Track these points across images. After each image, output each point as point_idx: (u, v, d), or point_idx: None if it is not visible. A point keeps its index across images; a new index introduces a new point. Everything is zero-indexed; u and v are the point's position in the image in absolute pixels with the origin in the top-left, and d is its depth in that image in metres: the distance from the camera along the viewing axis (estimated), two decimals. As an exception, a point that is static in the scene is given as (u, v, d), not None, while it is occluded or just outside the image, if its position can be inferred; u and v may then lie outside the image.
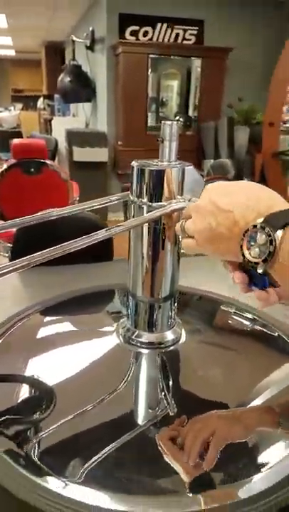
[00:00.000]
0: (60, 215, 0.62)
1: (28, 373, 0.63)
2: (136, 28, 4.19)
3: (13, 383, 0.61)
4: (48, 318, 0.80)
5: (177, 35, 4.31)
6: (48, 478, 0.45)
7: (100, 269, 1.04)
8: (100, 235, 0.52)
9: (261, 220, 0.41)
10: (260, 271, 0.42)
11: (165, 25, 4.25)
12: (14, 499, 0.43)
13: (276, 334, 0.74)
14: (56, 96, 6.91)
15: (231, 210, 0.44)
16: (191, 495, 0.45)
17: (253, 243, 0.42)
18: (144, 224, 0.60)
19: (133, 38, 4.21)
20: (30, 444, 0.49)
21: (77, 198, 2.83)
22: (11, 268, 0.46)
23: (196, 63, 4.34)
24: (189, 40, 4.36)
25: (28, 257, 0.48)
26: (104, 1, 4.16)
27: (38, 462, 0.47)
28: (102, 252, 1.11)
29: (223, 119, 4.16)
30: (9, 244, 2.12)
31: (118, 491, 0.45)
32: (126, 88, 4.14)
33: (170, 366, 0.63)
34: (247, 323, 0.80)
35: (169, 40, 4.30)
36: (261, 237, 0.41)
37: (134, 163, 0.60)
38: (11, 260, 1.16)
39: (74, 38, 5.02)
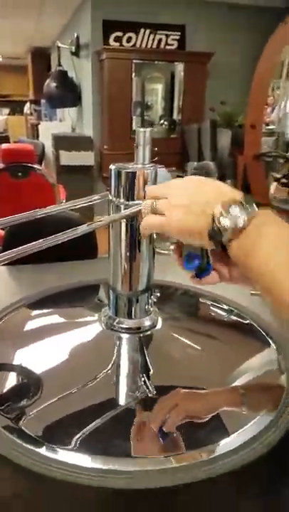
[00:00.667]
0: (46, 213, 0.68)
1: (18, 360, 0.69)
2: (120, 34, 4.27)
3: (7, 370, 0.67)
4: (34, 311, 0.86)
5: (160, 40, 4.41)
6: (39, 445, 0.52)
7: (85, 266, 1.11)
8: (81, 229, 0.59)
9: (241, 196, 0.47)
10: (224, 238, 0.45)
11: (148, 30, 4.34)
12: (10, 463, 0.49)
13: (247, 322, 0.81)
14: (43, 101, 6.97)
15: (208, 191, 0.49)
16: (162, 457, 0.52)
17: (227, 214, 0.45)
18: (122, 222, 0.67)
19: (117, 43, 4.29)
20: (24, 419, 0.56)
21: (64, 201, 2.89)
22: (3, 258, 0.53)
23: (179, 67, 4.43)
24: (172, 45, 4.45)
25: (10, 251, 0.54)
26: (88, 7, 4.23)
27: (30, 433, 0.53)
28: (88, 250, 1.18)
29: (206, 122, 4.26)
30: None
31: (97, 453, 0.51)
32: (110, 93, 4.22)
33: (147, 348, 0.70)
34: (220, 312, 0.87)
35: (152, 45, 4.39)
36: (235, 210, 0.45)
37: (112, 166, 0.66)
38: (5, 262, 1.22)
39: (59, 44, 5.08)
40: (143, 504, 0.48)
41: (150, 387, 0.61)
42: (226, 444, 0.53)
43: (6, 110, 11.30)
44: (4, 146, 2.61)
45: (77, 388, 0.62)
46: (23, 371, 0.67)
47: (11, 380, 0.66)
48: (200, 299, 0.91)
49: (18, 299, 0.86)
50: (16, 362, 0.69)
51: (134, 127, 4.54)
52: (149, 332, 0.71)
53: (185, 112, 4.57)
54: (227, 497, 0.49)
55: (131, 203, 0.65)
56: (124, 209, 0.65)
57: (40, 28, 6.10)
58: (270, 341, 0.74)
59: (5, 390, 0.62)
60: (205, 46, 4.40)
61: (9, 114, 10.95)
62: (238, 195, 0.48)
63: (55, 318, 0.84)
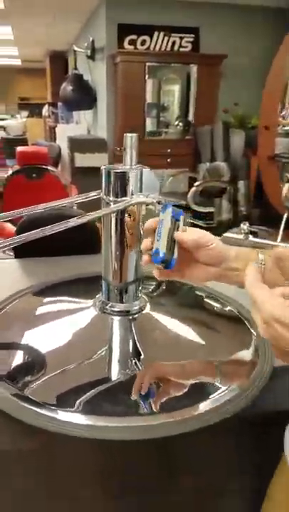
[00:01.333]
0: (48, 207, 0.78)
1: (24, 340, 0.78)
2: (134, 37, 4.36)
3: (14, 349, 0.76)
4: (39, 298, 0.96)
5: (174, 42, 4.48)
6: (42, 408, 0.61)
7: (87, 260, 1.19)
8: (72, 222, 0.67)
9: None
10: None
11: (162, 33, 4.41)
12: (20, 422, 0.58)
13: (228, 308, 0.88)
14: (60, 104, 7.11)
15: None
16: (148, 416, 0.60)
17: None
18: (113, 218, 0.75)
19: (131, 47, 4.38)
20: (29, 389, 0.65)
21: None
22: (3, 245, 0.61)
23: (195, 69, 4.49)
24: (186, 47, 4.51)
25: (11, 238, 0.63)
26: (103, 11, 4.34)
27: (34, 399, 0.62)
28: (90, 246, 1.26)
29: (218, 124, 4.31)
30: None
31: (91, 414, 0.61)
32: (124, 96, 4.31)
33: (136, 328, 0.79)
34: (204, 299, 0.95)
35: (166, 48, 4.46)
36: None
37: (102, 167, 0.74)
38: (15, 255, 1.32)
39: (75, 48, 5.21)
40: (130, 452, 0.59)
41: (138, 361, 0.72)
42: (201, 406, 0.61)
43: (25, 113, 11.53)
44: (20, 148, 2.73)
45: (75, 363, 0.71)
46: (27, 349, 0.76)
47: (18, 356, 0.75)
48: (186, 289, 0.99)
49: (19, 289, 0.95)
50: (21, 341, 0.78)
51: (148, 129, 4.63)
52: (137, 315, 0.79)
53: (198, 113, 4.62)
54: (198, 448, 0.58)
55: (119, 199, 0.73)
56: (113, 205, 0.73)
57: (58, 32, 6.24)
58: (248, 325, 0.82)
59: (13, 365, 0.71)
60: (218, 48, 4.44)
61: (28, 117, 11.17)
62: None
63: (56, 304, 0.94)
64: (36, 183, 2.66)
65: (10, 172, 2.67)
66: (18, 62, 10.40)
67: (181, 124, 4.82)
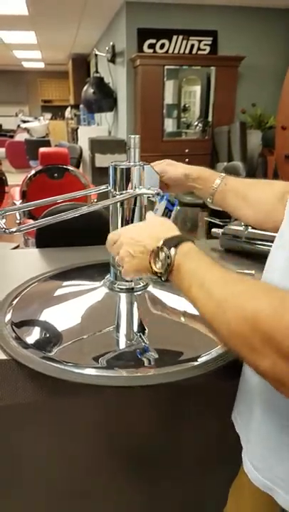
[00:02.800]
0: (64, 199, 0.90)
1: (45, 314, 0.90)
2: (153, 41, 4.47)
3: (37, 323, 0.88)
4: (56, 281, 1.07)
5: (192, 45, 4.57)
6: (63, 365, 0.72)
7: (100, 250, 1.31)
8: (83, 210, 0.78)
9: (161, 242, 0.60)
10: (163, 279, 0.60)
11: (181, 37, 4.51)
12: (46, 376, 0.70)
13: None
14: (81, 106, 7.29)
15: (143, 240, 0.66)
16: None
17: (156, 259, 0.61)
18: (119, 210, 0.86)
19: (151, 50, 4.49)
20: (53, 353, 0.76)
21: (95, 200, 3.12)
22: (24, 228, 0.73)
23: (213, 71, 4.56)
24: (204, 50, 4.60)
25: (28, 223, 0.74)
26: (123, 17, 4.47)
27: (57, 359, 0.74)
28: (102, 237, 1.38)
29: (235, 124, 4.37)
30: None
31: (101, 368, 0.72)
32: (143, 98, 4.43)
33: (139, 303, 0.91)
34: None
35: (184, 51, 4.56)
36: (161, 255, 0.60)
37: (110, 163, 0.85)
38: (37, 246, 1.44)
39: (96, 52, 5.36)
40: (130, 399, 0.70)
41: (140, 329, 0.85)
42: (186, 363, 0.73)
43: (49, 115, 11.80)
44: (42, 149, 2.87)
45: (89, 331, 0.84)
46: (49, 322, 0.88)
47: (41, 328, 0.87)
48: None
49: (39, 273, 1.08)
50: (43, 315, 0.90)
51: (168, 130, 4.72)
52: (141, 292, 0.91)
53: (216, 114, 4.70)
54: (180, 397, 0.68)
55: (124, 192, 0.83)
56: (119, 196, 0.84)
57: (80, 36, 6.42)
58: None
59: (38, 336, 0.84)
60: (237, 50, 4.51)
61: (51, 119, 11.43)
62: (170, 229, 0.66)
63: (71, 284, 1.06)
64: (57, 182, 2.80)
65: (33, 172, 2.82)
66: (41, 65, 10.66)
67: (200, 124, 4.89)
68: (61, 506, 1.15)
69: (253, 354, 0.44)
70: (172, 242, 0.60)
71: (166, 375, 0.69)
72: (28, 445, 1.02)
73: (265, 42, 4.60)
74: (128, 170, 0.83)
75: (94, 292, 0.94)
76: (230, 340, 0.47)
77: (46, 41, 7.07)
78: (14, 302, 0.92)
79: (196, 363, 0.72)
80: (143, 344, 0.79)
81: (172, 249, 0.59)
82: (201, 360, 0.73)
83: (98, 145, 4.71)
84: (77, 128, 7.21)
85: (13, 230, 0.74)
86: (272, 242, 1.19)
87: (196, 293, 0.54)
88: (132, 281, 0.90)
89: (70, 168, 2.87)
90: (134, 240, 0.68)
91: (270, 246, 1.13)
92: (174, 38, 4.50)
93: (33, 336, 0.82)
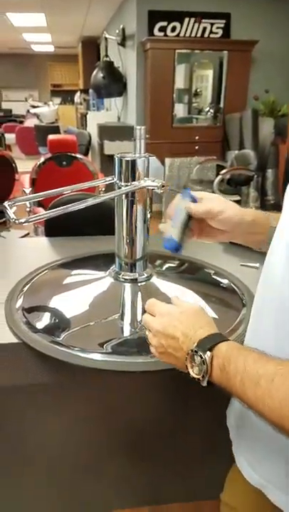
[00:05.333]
0: (71, 190, 0.90)
1: (54, 301, 0.93)
2: (164, 23, 4.38)
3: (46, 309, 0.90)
4: (64, 269, 1.10)
5: (204, 28, 4.47)
6: (71, 349, 0.75)
7: (107, 240, 1.31)
8: (90, 202, 0.78)
9: (195, 345, 0.56)
10: (204, 384, 0.55)
11: (192, 19, 4.41)
12: (55, 359, 0.73)
13: (225, 281, 0.99)
14: (91, 91, 7.22)
15: (177, 337, 0.60)
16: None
17: (193, 363, 0.56)
18: (124, 202, 0.86)
19: (162, 33, 4.41)
20: (61, 338, 0.79)
21: (103, 189, 3.11)
22: (33, 219, 0.74)
23: (226, 55, 4.47)
24: (216, 33, 4.50)
25: (42, 213, 0.75)
26: (134, -1, 4.38)
27: (65, 344, 0.77)
28: (110, 228, 1.39)
29: (247, 111, 4.30)
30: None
31: (106, 353, 0.75)
32: (153, 83, 4.36)
33: (143, 292, 0.94)
34: (204, 272, 1.07)
35: (196, 34, 4.46)
36: (197, 359, 0.55)
37: (116, 155, 0.85)
38: (46, 234, 1.45)
39: (106, 35, 5.28)
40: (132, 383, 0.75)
41: (138, 321, 0.86)
42: None
43: (58, 100, 11.72)
44: (51, 137, 2.86)
45: (94, 318, 0.87)
46: (57, 309, 0.91)
47: (50, 314, 0.90)
48: (190, 264, 1.12)
49: (49, 262, 1.09)
50: (51, 302, 0.93)
51: (178, 115, 4.64)
52: (144, 282, 0.93)
53: (228, 100, 4.61)
54: (180, 384, 0.71)
55: (129, 183, 0.83)
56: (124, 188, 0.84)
57: (89, 19, 6.33)
58: (240, 295, 0.93)
59: (47, 321, 0.86)
60: (250, 33, 4.41)
61: (60, 104, 11.36)
62: (205, 325, 0.60)
63: (79, 274, 1.08)
64: (66, 170, 2.80)
65: (42, 160, 2.82)
66: (51, 48, 10.55)
67: (212, 110, 4.80)
68: (63, 482, 1.21)
69: None
70: (207, 344, 0.55)
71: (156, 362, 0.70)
72: (36, 424, 1.06)
73: (280, 26, 4.48)
74: (134, 162, 0.82)
75: (100, 282, 0.96)
76: None
77: (56, 24, 6.98)
78: (25, 289, 0.95)
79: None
80: (146, 331, 0.80)
81: (208, 353, 0.54)
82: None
83: (107, 131, 4.67)
84: (87, 113, 7.15)
85: (22, 220, 0.75)
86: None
87: (253, 393, 0.49)
88: (136, 272, 0.91)
89: (79, 156, 2.86)
90: (167, 332, 0.62)
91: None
92: (186, 20, 4.40)
93: (43, 321, 0.85)
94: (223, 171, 3.57)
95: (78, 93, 9.72)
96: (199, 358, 0.55)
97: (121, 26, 4.92)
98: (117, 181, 0.85)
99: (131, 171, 0.82)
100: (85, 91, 8.87)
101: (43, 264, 1.09)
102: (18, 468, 1.14)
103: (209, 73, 4.75)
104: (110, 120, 5.58)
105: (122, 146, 4.52)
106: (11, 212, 0.79)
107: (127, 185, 0.83)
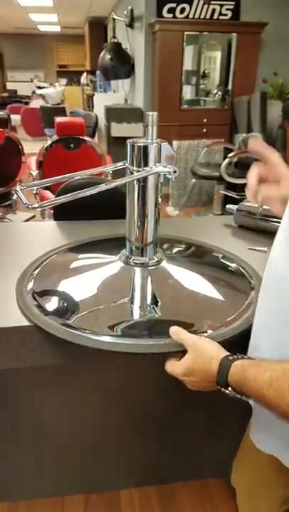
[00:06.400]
0: (81, 175, 0.92)
1: (64, 285, 0.95)
2: (173, 5, 4.31)
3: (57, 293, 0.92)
4: (74, 253, 1.12)
5: (214, 10, 4.40)
6: (81, 331, 0.77)
7: (116, 225, 1.34)
8: (102, 187, 0.81)
9: (216, 385, 0.64)
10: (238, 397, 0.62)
11: (202, 1, 4.34)
12: (65, 341, 0.75)
13: (234, 264, 1.02)
14: (98, 72, 7.13)
15: (202, 385, 0.68)
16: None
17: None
18: (135, 187, 0.88)
19: (170, 15, 4.34)
20: (72, 320, 0.81)
21: (111, 172, 3.12)
22: (46, 204, 0.76)
23: (235, 37, 4.41)
24: (225, 15, 4.43)
25: (54, 198, 0.77)
26: (143, -21, 4.30)
27: (75, 326, 0.79)
28: (119, 212, 1.41)
29: (256, 94, 4.26)
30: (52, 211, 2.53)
31: (115, 336, 0.77)
32: (162, 65, 4.32)
33: (153, 276, 0.96)
34: (213, 256, 1.09)
35: (205, 16, 4.39)
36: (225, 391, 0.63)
37: (128, 141, 0.87)
38: (54, 218, 1.48)
39: (114, 16, 5.20)
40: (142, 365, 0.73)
41: (153, 301, 0.90)
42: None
43: (64, 81, 11.58)
44: (58, 120, 2.86)
45: (105, 302, 0.89)
46: (68, 292, 0.93)
47: (61, 298, 0.92)
48: (199, 248, 1.14)
49: (58, 245, 1.12)
50: (62, 286, 0.95)
51: (186, 97, 4.60)
52: (154, 267, 0.95)
53: (237, 82, 4.56)
54: None
55: (141, 169, 0.85)
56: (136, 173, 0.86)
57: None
58: (248, 278, 0.96)
59: (57, 305, 0.88)
60: (259, 15, 4.34)
61: (66, 85, 11.23)
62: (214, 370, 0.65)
63: (89, 257, 1.10)
64: (73, 153, 2.81)
65: (49, 142, 2.82)
66: (57, 28, 10.40)
67: (220, 92, 4.75)
68: (74, 460, 1.26)
69: None
70: (223, 378, 0.63)
71: (175, 344, 0.73)
72: (48, 404, 1.10)
73: (290, 7, 4.40)
74: (145, 148, 0.84)
75: (110, 265, 0.98)
76: None
77: (63, 3, 6.88)
78: (35, 272, 0.97)
79: (205, 335, 0.76)
80: (155, 315, 0.84)
81: (229, 388, 0.62)
82: (209, 332, 0.77)
83: (114, 113, 4.64)
84: (93, 95, 7.08)
85: (36, 205, 0.77)
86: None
87: (268, 395, 0.56)
88: (146, 257, 0.94)
89: (87, 139, 2.87)
90: (195, 382, 0.69)
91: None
92: (195, 2, 4.33)
93: (53, 304, 0.87)
94: (231, 154, 3.55)
95: (85, 74, 9.60)
96: (224, 390, 0.63)
97: (129, 7, 4.84)
98: (129, 166, 0.87)
99: (143, 156, 0.85)
100: (91, 72, 8.76)
101: (52, 248, 1.11)
102: (34, 446, 1.20)
103: (217, 55, 4.68)
104: (117, 102, 5.53)
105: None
106: (23, 197, 0.81)
107: (139, 171, 0.85)
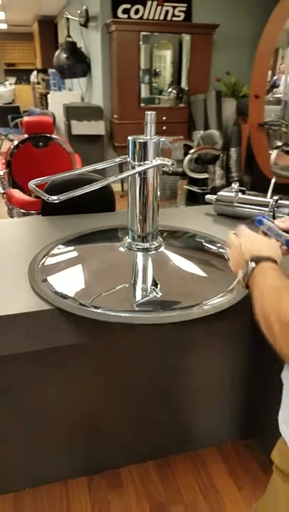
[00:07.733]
0: (80, 173, 1.01)
1: (72, 271, 1.02)
2: (128, 6, 4.41)
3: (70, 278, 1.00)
4: (77, 243, 1.20)
5: (167, 12, 4.54)
6: (93, 308, 0.85)
7: (106, 217, 1.43)
8: (99, 183, 0.90)
9: (250, 258, 0.74)
10: (243, 285, 0.74)
11: (155, 2, 4.47)
12: (81, 317, 0.84)
13: (219, 246, 1.15)
14: (51, 71, 7.08)
15: (244, 253, 0.78)
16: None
17: (243, 269, 0.75)
18: (137, 180, 0.98)
19: (125, 15, 4.44)
20: (86, 300, 0.88)
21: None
22: (63, 196, 0.84)
23: (187, 37, 4.57)
24: (178, 16, 4.58)
25: (64, 194, 0.86)
26: (96, -21, 4.36)
27: (88, 304, 0.87)
28: (109, 205, 1.51)
29: (211, 92, 4.45)
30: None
31: (120, 311, 0.85)
32: (119, 64, 4.41)
33: (153, 260, 1.06)
34: (209, 245, 1.21)
35: (159, 17, 4.53)
36: (250, 264, 0.73)
37: (129, 137, 0.97)
38: (42, 214, 1.53)
39: (68, 16, 5.22)
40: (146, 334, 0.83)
41: (154, 284, 0.98)
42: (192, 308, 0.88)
43: (13, 79, 11.35)
44: (26, 118, 2.89)
45: (112, 283, 0.97)
46: (80, 277, 1.01)
47: (75, 282, 0.99)
48: (196, 237, 1.25)
49: (58, 238, 1.20)
50: (72, 271, 1.03)
51: (143, 95, 4.70)
52: (154, 251, 1.05)
53: (192, 82, 4.73)
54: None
55: (142, 163, 0.96)
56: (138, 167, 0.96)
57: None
58: None
59: (73, 288, 0.94)
60: (211, 17, 4.53)
61: (16, 83, 11.00)
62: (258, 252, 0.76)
63: (92, 245, 1.19)
64: (42, 151, 2.84)
65: (17, 142, 2.84)
66: (4, 26, 10.17)
67: (174, 91, 4.90)
68: (75, 437, 1.34)
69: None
70: (256, 260, 0.73)
71: (179, 315, 0.84)
72: (49, 386, 1.18)
73: (240, 10, 4.62)
74: (146, 143, 0.95)
75: (113, 251, 1.08)
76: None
77: (11, 1, 6.77)
78: (44, 261, 1.04)
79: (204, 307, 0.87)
80: (160, 292, 0.94)
81: (253, 264, 0.73)
82: (204, 306, 0.88)
83: (74, 112, 4.68)
84: (47, 93, 7.04)
85: (54, 198, 0.85)
86: (260, 206, 1.38)
87: (256, 296, 0.68)
88: (148, 243, 1.04)
89: (55, 137, 2.91)
90: (241, 248, 0.81)
91: (258, 210, 1.31)
92: (149, 3, 4.45)
93: (70, 288, 0.94)
94: (192, 151, 3.72)
95: (35, 72, 9.47)
96: (250, 265, 0.73)
97: (84, 7, 4.88)
98: (131, 161, 0.97)
99: (143, 151, 0.95)
100: (43, 70, 8.67)
101: (47, 240, 1.18)
102: (36, 426, 1.27)
103: (167, 53, 4.82)
104: (74, 100, 5.55)
105: (91, 126, 4.56)
106: (42, 192, 0.89)
107: (139, 164, 0.95)
